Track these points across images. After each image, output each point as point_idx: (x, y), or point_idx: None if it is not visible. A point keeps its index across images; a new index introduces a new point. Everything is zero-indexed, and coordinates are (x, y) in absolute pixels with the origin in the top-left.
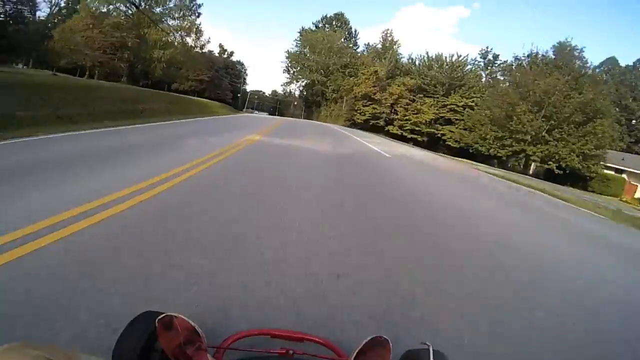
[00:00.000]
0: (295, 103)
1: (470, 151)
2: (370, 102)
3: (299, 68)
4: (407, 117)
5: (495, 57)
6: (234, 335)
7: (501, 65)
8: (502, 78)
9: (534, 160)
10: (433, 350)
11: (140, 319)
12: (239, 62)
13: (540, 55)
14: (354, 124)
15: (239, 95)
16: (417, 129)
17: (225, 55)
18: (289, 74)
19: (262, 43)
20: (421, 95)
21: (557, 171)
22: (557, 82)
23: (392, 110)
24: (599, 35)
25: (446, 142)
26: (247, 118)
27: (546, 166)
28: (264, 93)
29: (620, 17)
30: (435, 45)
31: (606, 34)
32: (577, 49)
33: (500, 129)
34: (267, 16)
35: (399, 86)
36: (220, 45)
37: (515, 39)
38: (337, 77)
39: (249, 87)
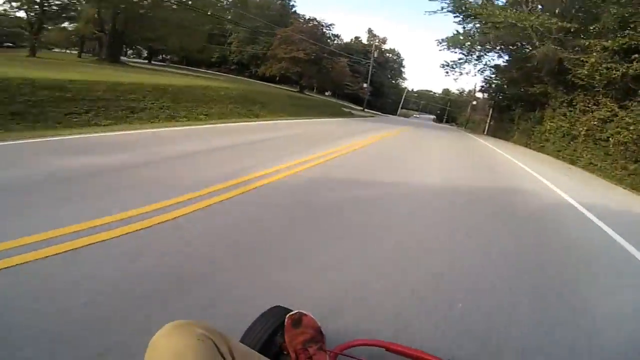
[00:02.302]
0: (475, 103)
1: None
2: None
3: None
4: None
5: None
6: (350, 341)
7: None
8: None
9: None
10: None
11: (271, 311)
12: (391, 51)
13: None
14: None
15: (368, 88)
16: None
17: (376, 42)
18: (461, 48)
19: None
20: None
21: None
22: None
23: None
24: None
25: None
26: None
27: None
28: (433, 93)
29: None
30: None
31: None
32: None
33: None
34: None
35: None
36: (369, 31)
37: None
38: None
39: (414, 86)
